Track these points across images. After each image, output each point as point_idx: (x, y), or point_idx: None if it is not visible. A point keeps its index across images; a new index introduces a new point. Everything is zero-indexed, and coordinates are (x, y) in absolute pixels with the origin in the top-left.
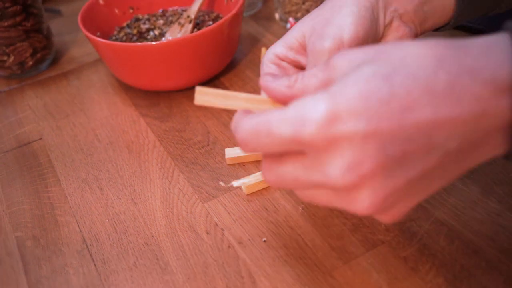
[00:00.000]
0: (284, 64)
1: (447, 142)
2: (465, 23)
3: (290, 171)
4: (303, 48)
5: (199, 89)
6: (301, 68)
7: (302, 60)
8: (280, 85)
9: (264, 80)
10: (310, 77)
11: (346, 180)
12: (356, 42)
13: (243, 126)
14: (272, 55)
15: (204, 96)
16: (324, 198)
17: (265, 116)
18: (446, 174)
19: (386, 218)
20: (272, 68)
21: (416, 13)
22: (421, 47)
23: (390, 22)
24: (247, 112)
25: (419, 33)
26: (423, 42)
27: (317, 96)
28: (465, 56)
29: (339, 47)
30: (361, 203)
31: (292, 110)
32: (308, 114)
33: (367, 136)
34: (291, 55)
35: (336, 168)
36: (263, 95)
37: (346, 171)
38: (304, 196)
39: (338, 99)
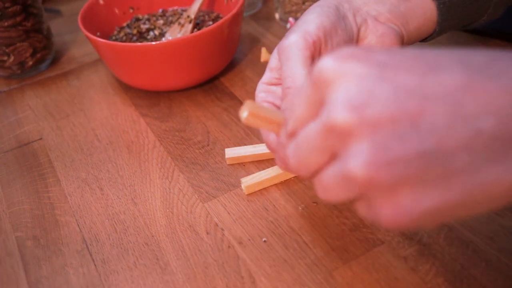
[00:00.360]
0: (273, 88)
1: (480, 117)
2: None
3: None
4: None
5: (251, 110)
6: None
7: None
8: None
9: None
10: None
11: (344, 116)
12: (322, 31)
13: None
14: (260, 85)
15: (257, 119)
16: (346, 193)
17: (304, 130)
18: (477, 175)
19: (387, 208)
20: (263, 97)
21: (392, 13)
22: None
23: (365, 23)
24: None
25: (404, 34)
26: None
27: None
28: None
29: (305, 37)
30: (356, 156)
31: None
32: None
33: (383, 78)
34: (275, 75)
35: (338, 99)
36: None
37: (347, 106)
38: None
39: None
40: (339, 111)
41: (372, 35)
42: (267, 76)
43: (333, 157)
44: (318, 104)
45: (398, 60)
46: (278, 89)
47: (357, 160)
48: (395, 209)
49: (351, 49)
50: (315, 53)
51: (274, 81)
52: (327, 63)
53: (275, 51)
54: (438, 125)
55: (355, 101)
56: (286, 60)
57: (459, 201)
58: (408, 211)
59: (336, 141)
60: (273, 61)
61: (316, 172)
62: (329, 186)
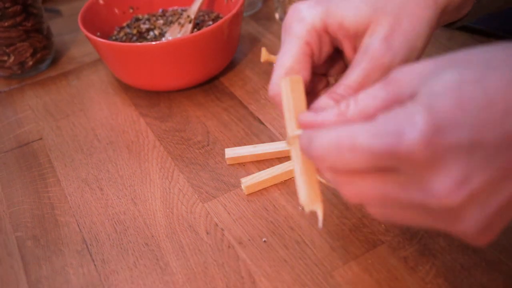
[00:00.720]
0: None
1: None
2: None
3: (380, 188)
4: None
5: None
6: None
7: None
8: (329, 116)
9: (306, 117)
10: (368, 99)
11: (454, 198)
12: None
13: (320, 140)
14: (281, 68)
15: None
16: (418, 218)
17: (347, 129)
18: None
19: (484, 239)
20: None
21: None
22: (506, 49)
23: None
24: (317, 117)
25: (440, 21)
26: (502, 45)
27: (408, 109)
28: None
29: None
30: (468, 222)
31: (382, 124)
32: (405, 128)
33: (473, 147)
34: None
35: (442, 184)
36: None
37: (455, 187)
38: (391, 215)
39: (434, 109)
40: (446, 194)
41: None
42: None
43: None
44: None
45: (476, 119)
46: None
47: (470, 225)
48: (489, 237)
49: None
50: (313, 47)
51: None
52: (415, 142)
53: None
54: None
55: (460, 180)
56: (284, 42)
57: None
58: (497, 233)
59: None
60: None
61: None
62: (412, 223)
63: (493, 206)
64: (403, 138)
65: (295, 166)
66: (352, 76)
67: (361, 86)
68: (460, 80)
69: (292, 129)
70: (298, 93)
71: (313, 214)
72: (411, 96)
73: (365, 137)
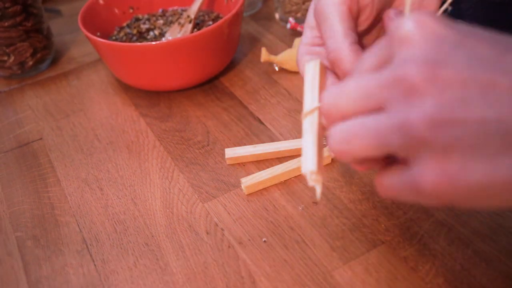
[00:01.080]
0: (317, 49)
1: None
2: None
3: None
4: None
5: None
6: None
7: None
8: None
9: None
10: (371, 57)
11: (417, 70)
12: None
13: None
14: (302, 46)
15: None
16: (381, 92)
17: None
18: None
19: (433, 170)
20: (308, 60)
21: None
22: None
23: None
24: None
25: None
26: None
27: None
28: None
29: None
30: (418, 109)
31: (386, 72)
32: (404, 55)
33: (462, 44)
34: (316, 33)
35: (414, 55)
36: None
37: (422, 62)
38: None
39: (430, 43)
40: (412, 66)
41: None
42: (307, 36)
43: (377, 109)
44: (388, 59)
45: (479, 34)
46: (322, 50)
47: (418, 113)
48: (440, 173)
49: (433, 15)
50: (352, 6)
51: (316, 41)
52: (407, 23)
53: (311, 8)
54: (506, 99)
55: (431, 59)
56: (324, 21)
57: (508, 181)
58: (453, 178)
59: (395, 94)
60: (310, 18)
61: (350, 117)
62: (381, 132)
63: (455, 112)
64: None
65: (307, 137)
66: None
67: None
68: (441, 26)
69: (312, 103)
70: (323, 75)
71: (313, 213)
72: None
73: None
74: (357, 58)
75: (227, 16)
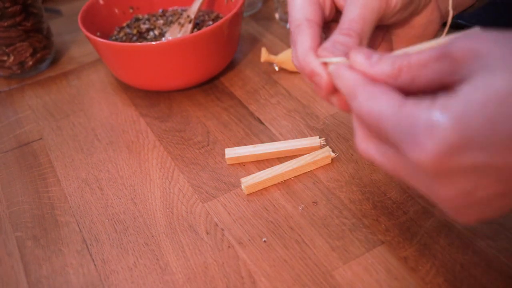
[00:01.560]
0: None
1: None
2: (465, 23)
3: (392, 158)
4: None
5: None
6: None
7: None
8: (382, 73)
9: (360, 60)
10: (420, 67)
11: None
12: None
13: (359, 105)
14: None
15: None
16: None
17: (382, 101)
18: None
19: (464, 218)
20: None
21: None
22: None
23: (429, 2)
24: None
25: (444, 18)
26: None
27: (436, 112)
28: None
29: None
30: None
31: (407, 116)
32: (422, 134)
33: (487, 168)
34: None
35: (445, 191)
36: None
37: (457, 196)
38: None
39: (462, 123)
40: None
41: (424, 17)
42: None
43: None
44: (449, 77)
45: (502, 145)
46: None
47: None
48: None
49: (487, 32)
50: None
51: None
52: (463, 43)
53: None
54: None
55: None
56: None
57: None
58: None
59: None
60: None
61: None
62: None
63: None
64: (415, 144)
65: None
66: (352, 11)
67: (363, 19)
68: (508, 92)
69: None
70: None
71: (313, 213)
72: (460, 80)
73: (389, 123)
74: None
75: (227, 16)
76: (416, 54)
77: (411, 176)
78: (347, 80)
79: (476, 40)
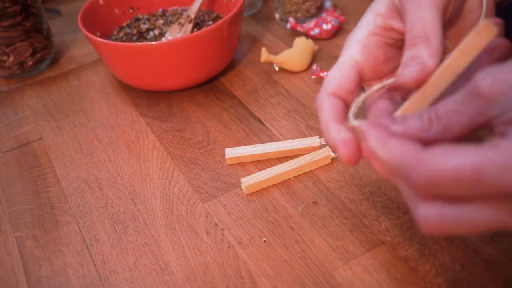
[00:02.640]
0: (372, 40)
1: None
2: None
3: (491, 213)
4: (394, 12)
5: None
6: (391, 41)
7: (395, 24)
8: (413, 129)
9: (379, 119)
10: (453, 115)
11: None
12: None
13: (435, 168)
14: (364, 31)
15: None
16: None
17: (471, 157)
18: None
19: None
20: (357, 49)
21: None
22: None
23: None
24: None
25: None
26: None
27: None
28: None
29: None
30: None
31: (508, 154)
32: None
33: None
34: (380, 23)
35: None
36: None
37: None
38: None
39: None
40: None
41: (467, 18)
42: (370, 23)
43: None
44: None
45: None
46: (376, 44)
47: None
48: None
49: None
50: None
51: (377, 30)
52: (490, 78)
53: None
54: None
55: None
56: (417, 8)
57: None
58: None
59: None
60: (380, 6)
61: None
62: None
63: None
64: None
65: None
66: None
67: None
68: None
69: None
70: None
71: (313, 213)
72: (502, 113)
73: (494, 171)
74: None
75: (227, 16)
76: (443, 102)
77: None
78: (389, 150)
79: (502, 72)
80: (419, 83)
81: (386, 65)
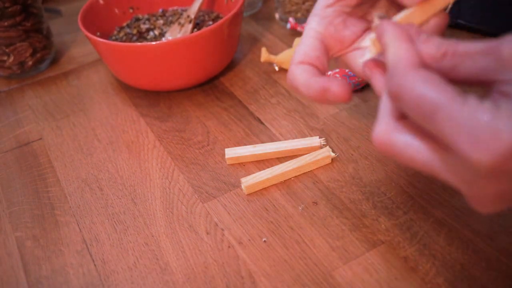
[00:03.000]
0: (328, 12)
1: None
2: (465, 23)
3: (427, 152)
4: None
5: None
6: (346, 10)
7: None
8: (427, 51)
9: (408, 26)
10: (465, 58)
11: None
12: None
13: (407, 84)
14: (318, 5)
15: None
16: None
17: (438, 90)
18: None
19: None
20: (315, 21)
21: None
22: None
23: None
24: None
25: None
26: None
27: (503, 123)
28: None
29: None
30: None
31: (470, 117)
32: (489, 140)
33: None
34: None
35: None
36: None
37: (495, 194)
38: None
39: None
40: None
41: None
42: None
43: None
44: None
45: None
46: (332, 15)
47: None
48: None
49: None
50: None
51: (330, 2)
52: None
53: None
54: None
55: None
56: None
57: None
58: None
59: None
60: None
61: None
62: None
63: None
64: (478, 145)
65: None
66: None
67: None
68: None
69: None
70: None
71: (313, 213)
72: (508, 81)
73: (447, 115)
74: None
75: (227, 16)
76: (464, 43)
77: (449, 172)
78: (398, 48)
79: None
80: None
81: (347, 31)
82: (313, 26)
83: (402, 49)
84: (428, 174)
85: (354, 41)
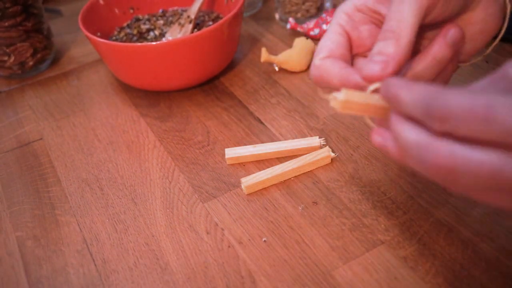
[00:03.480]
0: (358, 16)
1: None
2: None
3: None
4: None
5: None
6: (377, 22)
7: (382, 10)
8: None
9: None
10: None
11: None
12: None
13: (449, 101)
14: (346, 5)
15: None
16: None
17: (483, 97)
18: None
19: None
20: (344, 19)
21: None
22: None
23: None
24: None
25: (507, 14)
26: None
27: None
28: None
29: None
30: None
31: None
32: None
33: None
34: (370, 3)
35: None
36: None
37: None
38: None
39: None
40: None
41: (480, 11)
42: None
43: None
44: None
45: None
46: (362, 20)
47: None
48: None
49: None
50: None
51: (363, 8)
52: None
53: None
54: None
55: None
56: (400, 1)
57: None
58: None
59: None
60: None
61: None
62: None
63: None
64: None
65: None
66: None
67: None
68: None
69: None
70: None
71: (313, 213)
72: None
73: (504, 111)
74: None
75: (227, 16)
76: (462, 94)
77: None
78: (416, 91)
79: None
80: (379, 79)
81: (369, 40)
82: (342, 23)
83: (416, 90)
84: (494, 181)
85: (371, 49)
